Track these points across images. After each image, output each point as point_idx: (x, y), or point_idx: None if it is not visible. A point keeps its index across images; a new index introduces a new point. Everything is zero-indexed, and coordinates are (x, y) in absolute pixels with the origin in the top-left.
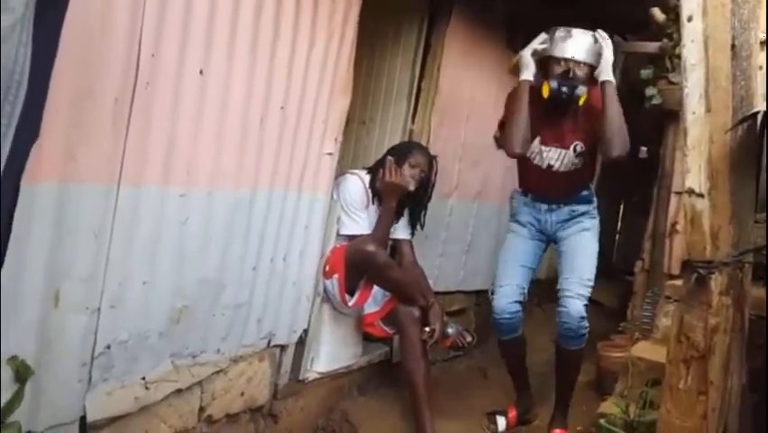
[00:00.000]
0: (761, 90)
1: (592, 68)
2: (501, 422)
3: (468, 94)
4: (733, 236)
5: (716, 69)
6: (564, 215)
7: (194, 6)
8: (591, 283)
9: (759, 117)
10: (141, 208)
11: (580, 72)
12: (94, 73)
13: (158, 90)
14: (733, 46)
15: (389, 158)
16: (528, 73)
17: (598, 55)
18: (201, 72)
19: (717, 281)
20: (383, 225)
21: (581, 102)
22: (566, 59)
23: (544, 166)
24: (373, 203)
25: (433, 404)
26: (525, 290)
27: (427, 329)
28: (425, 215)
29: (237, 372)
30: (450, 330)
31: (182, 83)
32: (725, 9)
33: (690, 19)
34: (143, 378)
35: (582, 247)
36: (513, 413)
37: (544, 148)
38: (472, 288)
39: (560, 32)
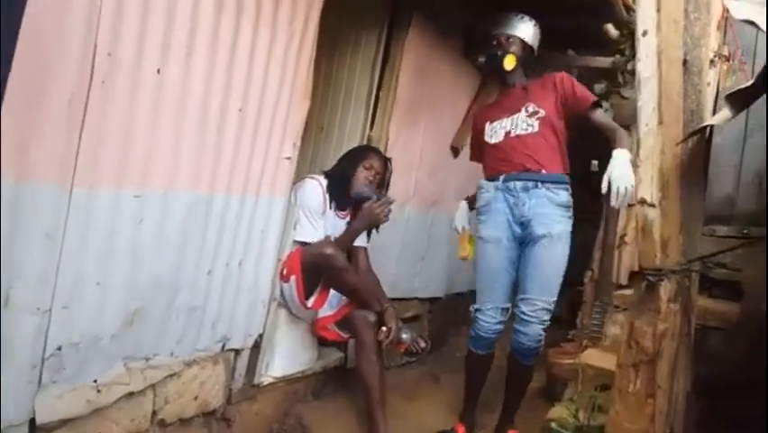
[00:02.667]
0: (710, 105)
1: (524, 43)
2: None
3: (426, 102)
4: (682, 245)
5: (668, 83)
6: (541, 198)
7: (152, 5)
8: (554, 303)
9: (707, 131)
10: (95, 208)
11: (509, 44)
12: (48, 71)
13: (114, 89)
14: (685, 62)
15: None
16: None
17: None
18: (159, 72)
19: (665, 289)
20: (345, 240)
21: (509, 65)
22: (495, 34)
23: (503, 136)
24: (331, 208)
25: (386, 407)
26: (507, 309)
27: (383, 329)
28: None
29: (191, 375)
30: (404, 336)
31: (139, 82)
32: (678, 26)
33: (644, 34)
34: (95, 381)
35: (554, 264)
36: (462, 430)
37: (495, 123)
38: (427, 295)
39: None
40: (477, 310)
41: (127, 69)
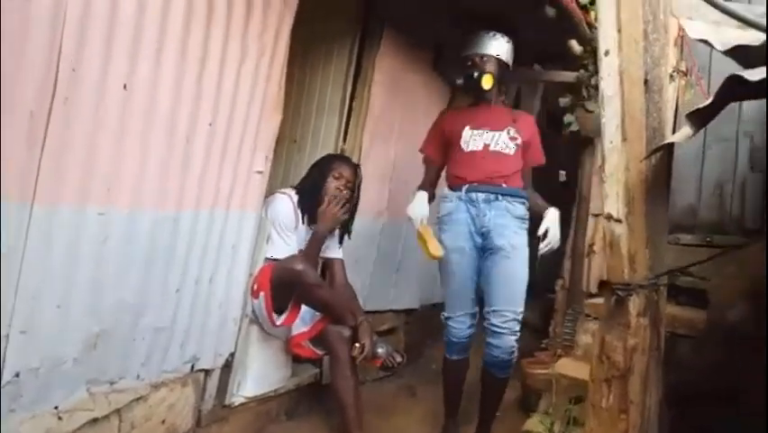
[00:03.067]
0: (671, 120)
1: (499, 60)
2: None
3: (398, 114)
4: (648, 259)
5: (630, 101)
6: (501, 210)
7: (118, 20)
8: (519, 310)
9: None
10: (57, 227)
11: (484, 63)
12: (8, 87)
13: (77, 105)
14: (646, 81)
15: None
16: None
17: (500, 47)
18: (125, 87)
19: (634, 303)
20: (313, 249)
21: (487, 84)
22: (469, 55)
23: (481, 147)
24: (303, 222)
25: (362, 423)
26: (475, 314)
27: (357, 345)
28: (351, 224)
29: (158, 398)
30: (380, 350)
31: (104, 98)
32: (638, 46)
33: (606, 53)
34: (56, 407)
35: (517, 274)
36: None
37: (476, 132)
38: (402, 307)
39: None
40: (448, 318)
41: (92, 85)
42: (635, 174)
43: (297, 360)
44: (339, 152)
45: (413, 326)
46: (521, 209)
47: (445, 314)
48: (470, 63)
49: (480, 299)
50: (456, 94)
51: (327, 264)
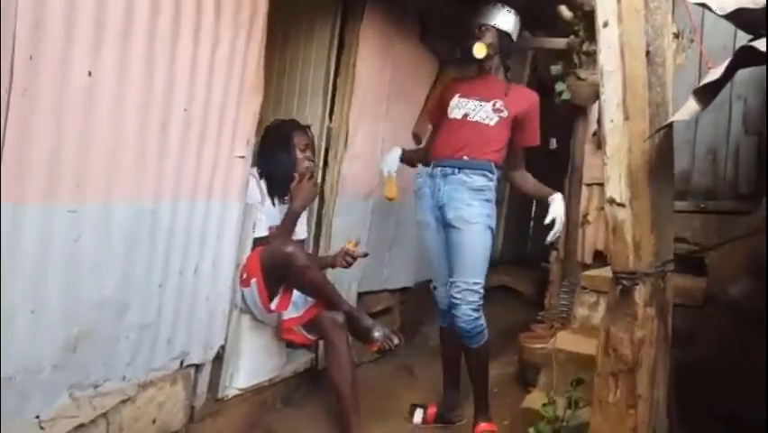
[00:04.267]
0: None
1: (499, 31)
2: (417, 415)
3: (385, 89)
4: (654, 245)
5: (632, 76)
6: (455, 184)
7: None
8: (481, 283)
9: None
10: (24, 229)
11: (482, 33)
12: None
13: (38, 96)
14: (648, 53)
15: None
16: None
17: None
18: (90, 74)
19: (641, 293)
20: (289, 227)
21: (478, 53)
22: (471, 26)
23: (460, 116)
24: (273, 202)
25: (359, 409)
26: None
27: (376, 335)
28: None
29: (146, 398)
30: (377, 334)
31: (67, 87)
32: (639, 15)
33: (605, 25)
34: (37, 416)
35: (470, 246)
36: (433, 409)
37: (462, 100)
38: (397, 285)
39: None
40: (434, 288)
41: (53, 73)
42: (639, 155)
43: (291, 346)
44: (326, 130)
45: (408, 304)
46: (480, 181)
47: (432, 284)
48: (474, 34)
49: None
50: (444, 66)
51: None
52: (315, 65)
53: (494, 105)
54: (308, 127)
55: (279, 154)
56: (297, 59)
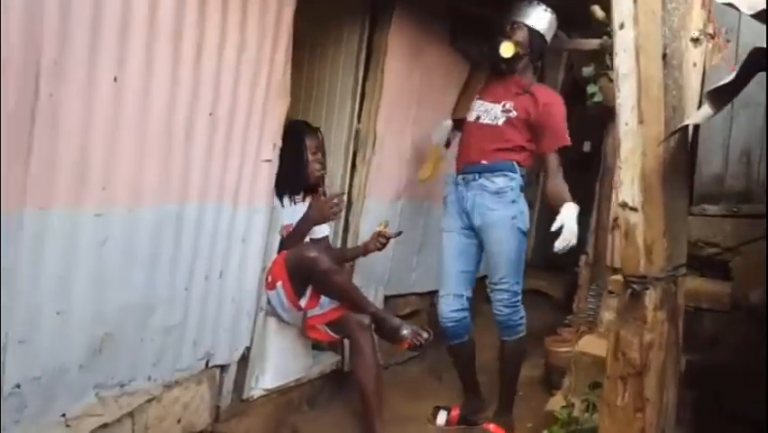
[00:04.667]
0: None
1: (531, 29)
2: (441, 417)
3: (414, 93)
4: (666, 250)
5: (648, 79)
6: (477, 189)
7: (104, 4)
8: (510, 282)
9: (690, 129)
10: (51, 233)
11: (513, 31)
12: None
13: (64, 101)
14: (664, 55)
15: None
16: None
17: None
18: (115, 79)
19: (651, 297)
20: (299, 234)
21: (505, 52)
22: (506, 22)
23: (473, 119)
24: (277, 196)
25: (384, 412)
26: (465, 297)
27: (404, 333)
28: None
29: (172, 398)
30: (405, 332)
31: (93, 92)
32: (656, 17)
33: (621, 26)
34: (63, 415)
35: (497, 248)
36: (456, 412)
37: (479, 102)
38: (425, 289)
39: None
40: (439, 297)
41: (78, 78)
42: (653, 159)
43: (317, 347)
44: (354, 133)
45: (437, 307)
46: (501, 182)
47: (439, 293)
48: (506, 31)
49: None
50: (475, 70)
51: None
52: (344, 70)
53: (504, 105)
54: (318, 129)
55: (290, 155)
56: (326, 63)
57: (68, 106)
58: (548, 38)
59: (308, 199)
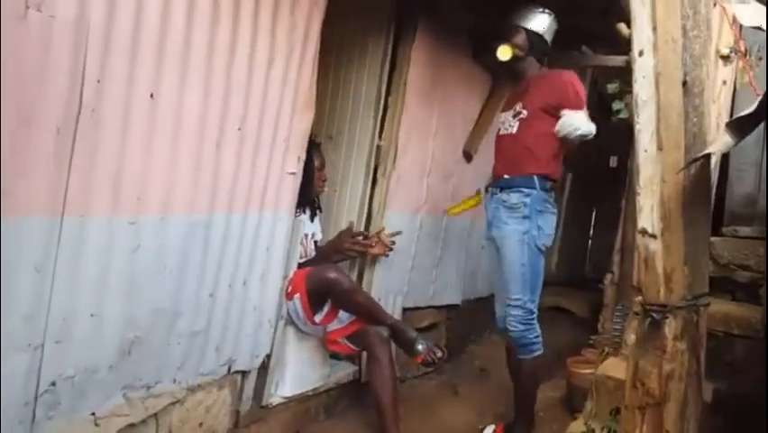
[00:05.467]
0: (724, 113)
1: (528, 31)
2: (488, 430)
3: (436, 107)
4: (687, 278)
5: (667, 106)
6: (497, 203)
7: (142, 28)
8: (523, 299)
9: (715, 156)
10: (88, 239)
11: (510, 35)
12: (33, 101)
13: (104, 117)
14: (685, 82)
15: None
16: None
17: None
18: (152, 96)
19: (671, 326)
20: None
21: (502, 55)
22: (506, 27)
23: (498, 132)
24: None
25: (400, 424)
26: None
27: (420, 349)
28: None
29: (195, 401)
30: (420, 346)
31: (131, 108)
32: (676, 45)
33: (641, 54)
34: (93, 413)
35: (508, 263)
36: (500, 428)
37: (501, 115)
38: (443, 302)
39: None
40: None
41: (118, 96)
42: (672, 186)
43: (335, 357)
44: (375, 147)
45: (455, 322)
46: (514, 198)
47: None
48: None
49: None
50: (497, 83)
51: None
52: (368, 82)
53: (515, 110)
54: (319, 145)
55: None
56: (350, 75)
57: (108, 121)
58: (548, 37)
59: (305, 212)
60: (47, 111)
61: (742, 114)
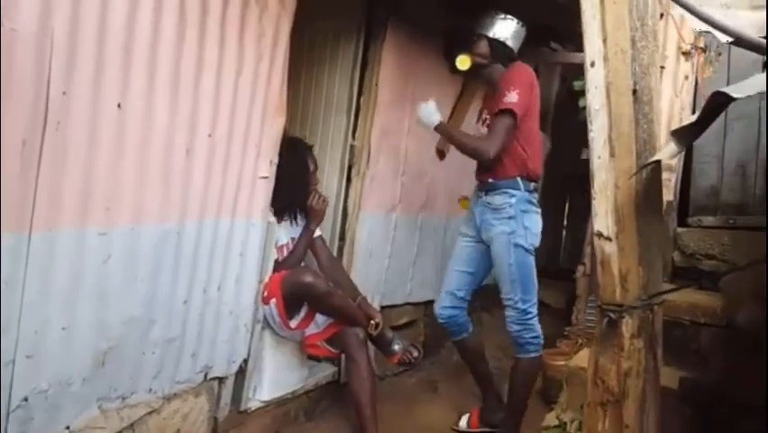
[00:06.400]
0: (686, 107)
1: (490, 39)
2: (463, 420)
3: (408, 106)
4: (641, 278)
5: (618, 114)
6: (483, 206)
7: (107, 38)
8: (515, 299)
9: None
10: (57, 252)
11: (472, 44)
12: None
13: (71, 129)
14: (634, 91)
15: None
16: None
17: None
18: (119, 106)
19: (627, 325)
20: (303, 247)
21: (461, 65)
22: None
23: None
24: (287, 220)
25: (379, 423)
26: (459, 295)
27: (372, 322)
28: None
29: (171, 410)
30: (396, 346)
31: (98, 119)
32: (625, 55)
33: (592, 65)
34: (67, 427)
35: (498, 264)
36: (476, 412)
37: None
38: (421, 299)
39: None
40: (439, 294)
41: (84, 107)
42: (625, 190)
43: (314, 359)
44: (349, 148)
45: (433, 318)
46: (498, 200)
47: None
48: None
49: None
50: (468, 83)
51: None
52: (340, 84)
53: (482, 118)
54: (311, 148)
55: (295, 173)
56: (322, 78)
57: (75, 133)
58: (512, 44)
59: (295, 218)
60: (12, 125)
61: (684, 124)
